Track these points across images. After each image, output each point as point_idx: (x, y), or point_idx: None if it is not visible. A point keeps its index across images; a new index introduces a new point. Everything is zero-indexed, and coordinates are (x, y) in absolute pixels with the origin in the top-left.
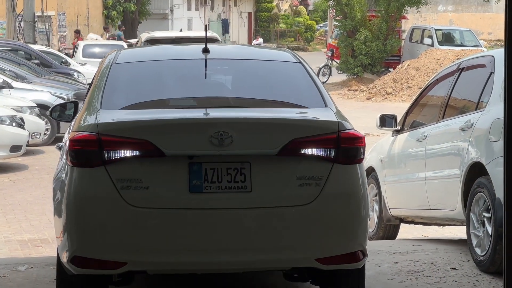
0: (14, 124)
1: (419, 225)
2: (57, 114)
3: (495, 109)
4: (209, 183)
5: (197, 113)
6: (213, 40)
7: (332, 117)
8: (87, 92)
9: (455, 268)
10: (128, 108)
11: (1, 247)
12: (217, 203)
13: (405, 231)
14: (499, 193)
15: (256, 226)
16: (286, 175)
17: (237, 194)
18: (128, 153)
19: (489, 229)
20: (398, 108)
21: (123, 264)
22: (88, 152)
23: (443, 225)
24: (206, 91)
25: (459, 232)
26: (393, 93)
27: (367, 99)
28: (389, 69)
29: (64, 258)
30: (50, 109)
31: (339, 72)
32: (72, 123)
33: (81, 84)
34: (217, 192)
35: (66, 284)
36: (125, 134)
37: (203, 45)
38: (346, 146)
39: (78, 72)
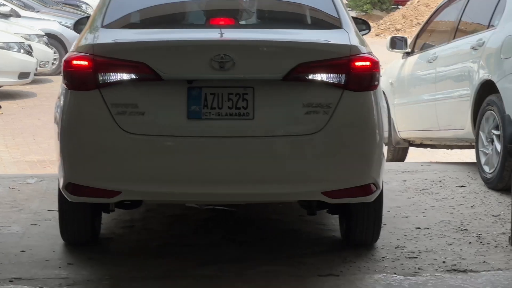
0: (22, 51)
1: (427, 151)
2: (81, 27)
3: (508, 26)
4: (208, 109)
5: (198, 34)
6: None
7: (345, 40)
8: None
9: (463, 186)
10: (130, 27)
11: (10, 167)
12: (217, 130)
13: (413, 157)
14: (509, 110)
15: (258, 156)
16: (292, 102)
17: (238, 122)
18: (123, 76)
19: (498, 147)
20: None
21: (117, 193)
22: (82, 75)
23: (451, 147)
24: (212, 10)
25: (467, 158)
26: (402, 29)
27: (376, 35)
28: (399, 6)
29: (60, 184)
30: (75, 22)
31: (348, 9)
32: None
33: None
34: (217, 119)
35: (65, 208)
36: (120, 56)
37: None
38: (358, 72)
39: (87, 4)
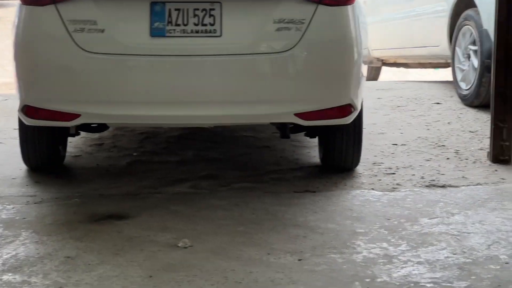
0: None
1: (399, 72)
2: None
3: None
4: (173, 26)
5: None
6: None
7: None
8: None
9: (439, 103)
10: None
11: None
12: (182, 49)
13: (386, 78)
14: (487, 24)
15: (226, 76)
16: (262, 18)
17: (205, 39)
18: None
19: (475, 63)
20: None
21: (76, 116)
22: None
23: (425, 66)
24: None
25: (441, 78)
26: None
27: None
28: None
29: (17, 106)
30: None
31: None
32: None
33: None
34: (182, 37)
35: (25, 133)
36: None
37: None
38: None
39: None
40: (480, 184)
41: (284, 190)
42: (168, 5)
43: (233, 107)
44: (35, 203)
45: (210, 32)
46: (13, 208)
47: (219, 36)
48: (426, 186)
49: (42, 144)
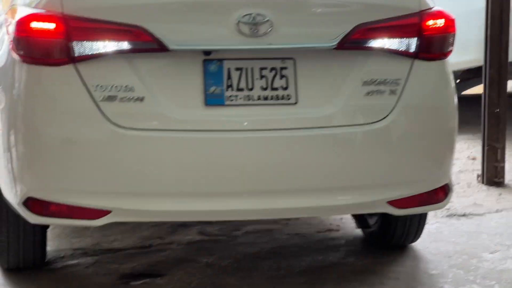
0: None
1: None
2: None
3: None
4: (234, 91)
5: None
6: None
7: None
8: None
9: None
10: None
11: None
12: (246, 122)
13: None
14: None
15: (305, 157)
16: (348, 79)
17: (276, 109)
18: (111, 46)
19: None
20: None
21: (105, 213)
22: (47, 43)
23: None
24: None
25: None
26: None
27: None
28: None
29: (12, 199)
30: None
31: None
32: None
33: None
34: (246, 106)
35: (6, 227)
36: (106, 15)
37: None
38: (432, 34)
39: None
40: (501, 211)
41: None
42: (227, 63)
43: (313, 197)
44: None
45: (282, 98)
46: None
47: (294, 103)
48: (448, 216)
49: (29, 242)
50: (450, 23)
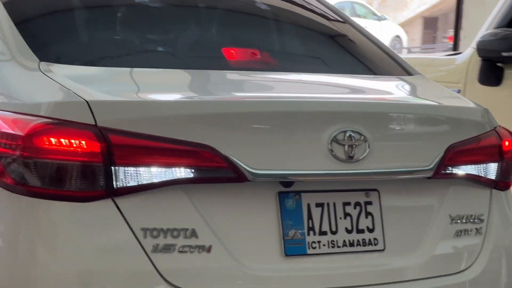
0: None
1: None
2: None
3: None
4: (316, 236)
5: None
6: None
7: (465, 100)
8: None
9: None
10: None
11: None
12: (334, 278)
13: None
14: None
15: None
16: (437, 216)
17: (363, 258)
18: (166, 173)
19: None
20: None
21: None
22: (76, 169)
23: None
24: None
25: None
26: None
27: None
28: None
29: None
30: None
31: None
32: None
33: None
34: (330, 255)
35: None
36: (157, 130)
37: None
38: (510, 157)
39: None
40: None
41: None
42: (305, 197)
43: None
44: None
45: (369, 244)
46: None
47: (382, 249)
48: None
49: None
50: None
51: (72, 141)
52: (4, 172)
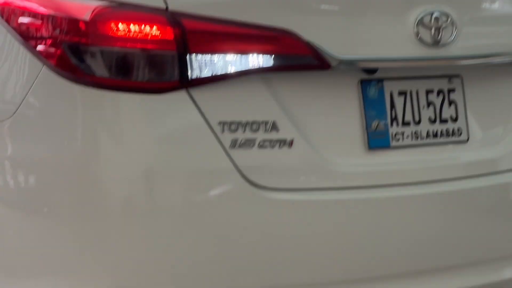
0: None
1: None
2: None
3: None
4: (399, 127)
5: None
6: None
7: None
8: None
9: None
10: None
11: None
12: (418, 172)
13: None
14: None
15: (485, 216)
16: None
17: (444, 150)
18: (243, 60)
19: None
20: None
21: None
22: (150, 58)
23: None
24: None
25: None
26: None
27: None
28: None
29: None
30: None
31: None
32: None
33: None
34: (413, 147)
35: None
36: (234, 13)
37: None
38: None
39: None
40: None
41: None
42: (388, 85)
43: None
44: None
45: (453, 134)
46: None
47: (466, 140)
48: None
49: None
50: None
51: (143, 27)
52: (65, 62)
